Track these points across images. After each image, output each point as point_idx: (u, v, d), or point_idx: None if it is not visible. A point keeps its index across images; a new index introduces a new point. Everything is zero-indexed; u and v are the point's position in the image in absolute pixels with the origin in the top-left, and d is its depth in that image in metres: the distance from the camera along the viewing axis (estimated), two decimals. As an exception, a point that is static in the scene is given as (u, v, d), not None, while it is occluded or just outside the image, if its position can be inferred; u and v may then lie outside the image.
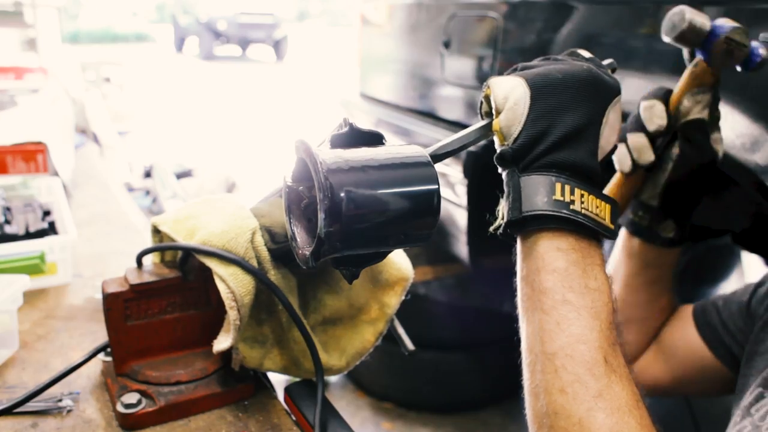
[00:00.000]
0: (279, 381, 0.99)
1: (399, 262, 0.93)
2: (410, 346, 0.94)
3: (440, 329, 2.47)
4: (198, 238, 0.82)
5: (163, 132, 7.72)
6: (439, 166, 0.61)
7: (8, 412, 0.81)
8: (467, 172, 1.88)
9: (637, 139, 0.90)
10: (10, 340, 0.97)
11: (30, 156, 1.67)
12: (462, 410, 2.60)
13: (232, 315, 0.76)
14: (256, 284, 0.79)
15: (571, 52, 0.72)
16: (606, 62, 0.74)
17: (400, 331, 0.95)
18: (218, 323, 0.82)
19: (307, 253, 0.57)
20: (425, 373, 2.55)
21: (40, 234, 1.26)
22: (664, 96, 0.91)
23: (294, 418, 0.85)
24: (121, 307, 0.84)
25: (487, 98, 0.68)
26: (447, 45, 2.09)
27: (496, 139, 0.65)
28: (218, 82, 12.81)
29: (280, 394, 0.91)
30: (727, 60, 0.85)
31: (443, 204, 0.62)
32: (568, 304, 0.58)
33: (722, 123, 1.16)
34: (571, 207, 0.59)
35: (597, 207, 0.61)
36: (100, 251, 1.41)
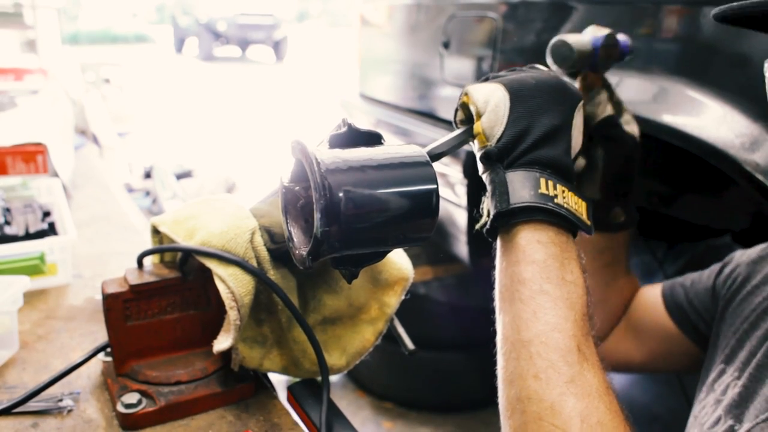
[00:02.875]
0: (279, 381, 0.99)
1: (399, 261, 0.93)
2: (410, 345, 0.94)
3: (440, 329, 2.47)
4: (197, 238, 0.82)
5: (163, 133, 7.71)
6: (438, 166, 0.61)
7: (8, 411, 0.82)
8: (467, 172, 1.88)
9: None
10: (11, 340, 0.97)
11: (30, 157, 1.67)
12: (462, 410, 2.60)
13: (232, 315, 0.76)
14: (256, 284, 0.79)
15: (531, 66, 0.76)
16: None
17: (401, 330, 0.95)
18: (218, 323, 0.82)
19: (304, 253, 0.57)
20: (425, 373, 2.55)
21: (40, 235, 1.26)
22: None
23: (296, 418, 0.85)
24: (121, 308, 0.85)
25: (464, 106, 0.71)
26: (446, 45, 2.09)
27: (476, 142, 0.68)
28: (218, 83, 12.81)
29: (280, 394, 0.91)
30: (608, 63, 0.95)
31: (442, 204, 0.63)
32: (545, 294, 0.60)
33: (722, 122, 1.16)
34: (555, 201, 0.63)
35: (576, 203, 0.65)
36: (100, 252, 1.41)
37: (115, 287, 0.85)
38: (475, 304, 2.50)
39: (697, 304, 1.00)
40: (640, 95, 1.39)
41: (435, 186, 0.59)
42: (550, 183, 0.63)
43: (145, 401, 0.82)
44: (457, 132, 0.71)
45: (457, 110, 0.72)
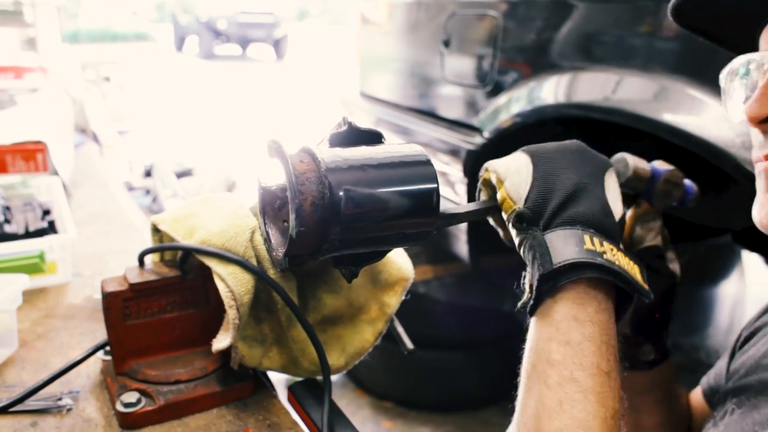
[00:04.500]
0: (278, 380, 0.99)
1: (399, 261, 0.92)
2: (410, 345, 0.94)
3: (440, 328, 2.47)
4: (197, 237, 0.82)
5: (163, 131, 7.71)
6: (438, 166, 0.61)
7: (7, 410, 0.81)
8: (467, 171, 1.88)
9: None
10: (10, 339, 0.97)
11: (30, 155, 1.66)
12: (462, 409, 2.60)
13: (231, 314, 0.76)
14: (256, 283, 0.79)
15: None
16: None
17: (400, 330, 0.94)
18: (217, 322, 0.82)
19: (281, 254, 0.57)
20: (425, 372, 2.55)
21: (39, 233, 1.26)
22: (619, 226, 0.91)
23: (296, 417, 0.85)
24: (121, 306, 0.84)
25: (486, 183, 0.68)
26: (447, 44, 2.09)
27: (503, 212, 0.65)
28: (218, 82, 12.80)
29: (280, 393, 0.91)
30: (666, 200, 0.89)
31: (443, 203, 0.62)
32: (576, 383, 0.53)
33: (723, 121, 1.16)
34: (605, 256, 0.56)
35: (628, 264, 0.58)
36: (100, 250, 1.41)
37: (114, 286, 0.85)
38: (475, 303, 2.50)
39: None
40: (641, 94, 1.39)
41: (435, 185, 0.58)
42: (596, 240, 0.57)
43: (144, 400, 0.82)
44: (479, 203, 0.67)
45: (479, 190, 0.69)
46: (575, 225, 0.58)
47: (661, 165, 0.90)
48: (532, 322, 0.60)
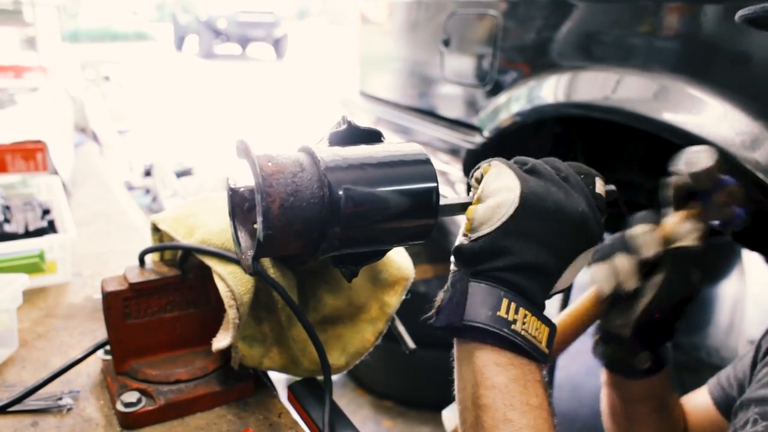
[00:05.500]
0: (279, 379, 0.99)
1: (399, 261, 0.92)
2: (411, 344, 0.94)
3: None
4: (197, 236, 0.82)
5: (163, 131, 7.71)
6: (438, 165, 0.61)
7: (6, 409, 0.81)
8: (467, 171, 1.88)
9: (626, 263, 0.84)
10: (10, 338, 0.97)
11: (29, 154, 1.66)
12: (462, 408, 2.60)
13: (231, 313, 0.76)
14: (256, 283, 0.79)
15: (583, 171, 0.67)
16: (608, 188, 0.70)
17: (401, 329, 0.94)
18: (218, 322, 0.82)
19: (250, 257, 0.56)
20: (426, 372, 2.55)
21: (39, 233, 1.26)
22: (658, 223, 0.87)
23: (296, 416, 0.85)
24: (121, 306, 0.84)
25: (482, 174, 0.65)
26: (447, 43, 2.09)
27: (462, 225, 0.63)
28: (218, 81, 12.80)
29: (280, 393, 0.91)
30: (719, 213, 0.86)
31: (443, 203, 0.62)
32: (510, 423, 0.55)
33: (723, 120, 1.16)
34: (512, 327, 0.57)
35: (537, 329, 0.59)
36: (100, 250, 1.41)
37: (114, 285, 0.84)
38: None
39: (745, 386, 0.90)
40: (641, 93, 1.39)
41: (435, 184, 0.58)
42: (513, 306, 0.58)
43: (144, 400, 0.82)
44: (462, 200, 0.66)
45: (472, 176, 0.66)
46: (501, 284, 0.58)
47: (730, 177, 0.86)
48: (456, 358, 0.62)
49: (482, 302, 0.58)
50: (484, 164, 0.65)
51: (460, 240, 0.62)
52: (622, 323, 0.89)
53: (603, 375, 0.99)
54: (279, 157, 0.56)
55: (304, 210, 0.54)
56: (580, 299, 0.91)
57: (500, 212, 0.59)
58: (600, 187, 0.67)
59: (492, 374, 0.57)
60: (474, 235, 0.60)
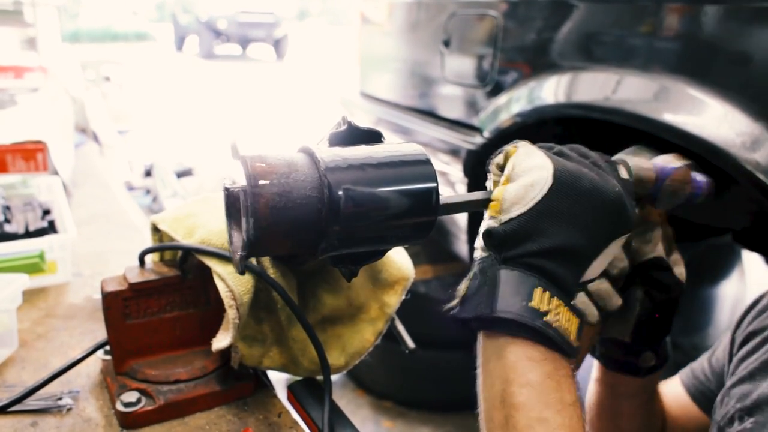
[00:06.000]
0: (278, 379, 0.99)
1: (399, 261, 0.92)
2: (411, 344, 0.94)
3: (440, 328, 2.46)
4: (197, 236, 0.82)
5: (163, 131, 7.71)
6: (438, 165, 0.61)
7: (6, 409, 0.81)
8: (467, 171, 1.88)
9: (600, 286, 0.82)
10: (10, 339, 0.97)
11: (30, 155, 1.66)
12: (462, 409, 2.60)
13: (231, 313, 0.76)
14: (256, 283, 0.79)
15: (615, 162, 0.65)
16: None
17: (401, 329, 0.94)
18: (217, 322, 0.82)
19: (238, 257, 0.57)
20: (426, 372, 2.55)
21: (39, 233, 1.26)
22: None
23: (296, 416, 0.85)
24: (121, 306, 0.84)
25: (507, 157, 0.62)
26: (447, 43, 2.09)
27: (488, 211, 0.60)
28: (218, 81, 12.80)
29: (280, 393, 0.91)
30: (672, 200, 0.82)
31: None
32: (545, 422, 0.52)
33: (723, 121, 1.15)
34: (545, 318, 0.55)
35: (568, 321, 0.57)
36: (100, 250, 1.41)
37: (114, 285, 0.85)
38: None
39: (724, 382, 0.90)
40: (641, 93, 1.39)
41: (435, 184, 0.58)
42: (546, 295, 0.55)
43: (144, 400, 0.82)
44: (478, 193, 0.63)
45: (490, 161, 0.63)
46: (534, 272, 0.56)
47: (668, 162, 0.82)
48: (482, 351, 0.59)
49: (514, 291, 0.55)
50: (508, 147, 0.62)
51: (488, 223, 0.59)
52: (621, 332, 0.89)
53: (594, 372, 0.98)
54: (271, 157, 0.55)
55: (293, 210, 0.53)
56: None
57: (534, 191, 0.56)
58: (624, 173, 0.65)
59: (526, 370, 0.54)
60: (505, 217, 0.57)
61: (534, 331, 0.55)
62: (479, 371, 0.59)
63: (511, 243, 0.56)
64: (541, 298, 0.55)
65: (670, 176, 0.80)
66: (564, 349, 0.56)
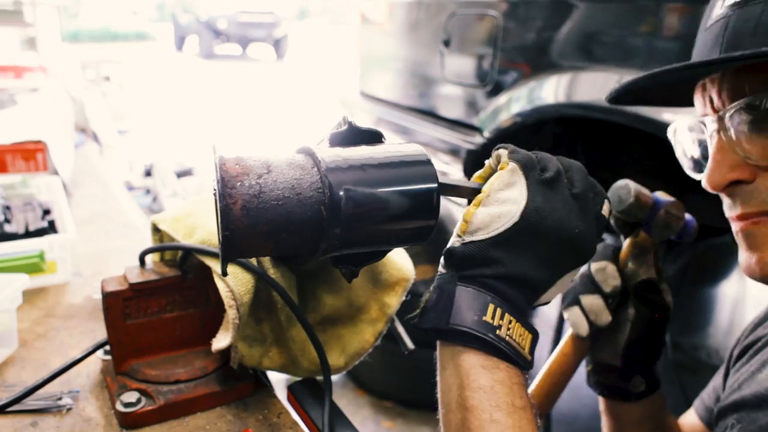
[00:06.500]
0: (278, 380, 0.99)
1: (400, 262, 0.92)
2: (410, 345, 0.94)
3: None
4: (197, 236, 0.82)
5: (163, 131, 7.71)
6: (438, 165, 0.60)
7: (5, 409, 0.81)
8: (467, 171, 1.88)
9: (593, 302, 0.89)
10: (10, 338, 0.97)
11: (30, 155, 1.67)
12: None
13: (231, 314, 0.76)
14: (256, 283, 0.79)
15: (596, 191, 0.67)
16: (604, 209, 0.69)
17: (401, 329, 0.94)
18: (218, 322, 0.82)
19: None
20: (426, 372, 2.55)
21: (39, 233, 1.26)
22: (614, 256, 0.91)
23: (296, 417, 0.85)
24: (121, 306, 0.84)
25: (498, 159, 0.64)
26: (447, 43, 2.09)
27: (458, 225, 0.63)
28: (218, 81, 12.80)
29: (280, 393, 0.91)
30: (665, 231, 0.89)
31: (443, 202, 0.62)
32: (496, 423, 0.56)
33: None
34: (497, 332, 0.58)
35: (521, 336, 0.60)
36: (100, 250, 1.41)
37: (114, 285, 0.84)
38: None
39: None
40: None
41: (436, 185, 0.58)
42: (498, 311, 0.58)
43: (144, 400, 0.82)
44: (471, 184, 0.65)
45: (493, 151, 0.65)
46: (488, 290, 0.59)
47: (663, 196, 0.89)
48: (439, 356, 0.62)
49: (469, 306, 0.58)
50: (504, 155, 0.63)
51: (453, 241, 0.62)
52: (611, 354, 0.94)
53: (601, 404, 1.01)
54: (248, 158, 0.55)
55: (268, 212, 0.53)
56: (562, 343, 0.95)
57: (499, 222, 0.59)
58: (606, 209, 0.67)
59: (478, 376, 0.58)
60: (468, 239, 0.60)
61: (486, 342, 0.58)
62: (438, 378, 0.63)
63: (468, 264, 0.60)
64: (494, 314, 0.58)
65: (665, 206, 0.87)
66: (516, 361, 0.59)
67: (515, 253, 0.59)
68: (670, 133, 0.77)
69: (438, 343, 0.62)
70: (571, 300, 0.91)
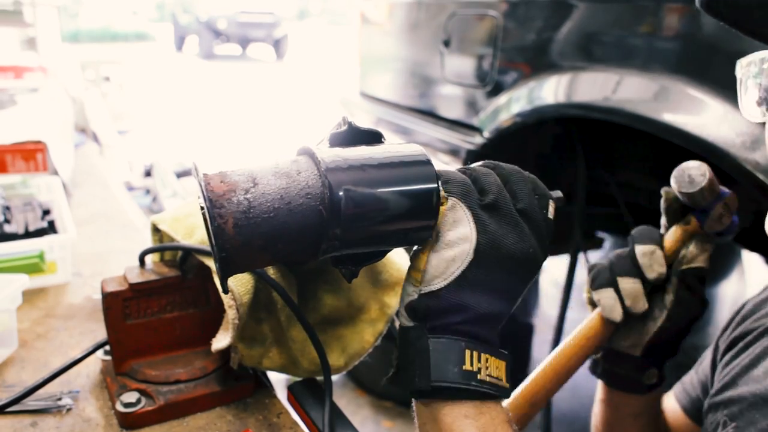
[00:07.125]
0: (278, 380, 0.99)
1: (399, 262, 0.92)
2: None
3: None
4: (197, 236, 0.82)
5: (163, 131, 7.71)
6: (438, 165, 0.60)
7: (6, 409, 0.81)
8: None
9: (632, 286, 0.84)
10: (10, 339, 0.97)
11: (30, 155, 1.66)
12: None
13: (230, 314, 0.76)
14: (256, 283, 0.79)
15: (538, 192, 0.63)
16: (556, 196, 0.66)
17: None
18: (217, 322, 0.82)
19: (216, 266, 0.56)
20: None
21: (39, 233, 1.26)
22: (660, 241, 0.86)
23: (296, 417, 0.85)
24: (121, 306, 0.84)
25: (469, 178, 0.60)
26: (447, 44, 2.09)
27: (410, 275, 0.60)
28: (218, 81, 12.80)
29: (280, 393, 0.91)
30: (717, 225, 0.83)
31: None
32: None
33: (723, 121, 1.15)
34: (479, 377, 0.57)
35: (497, 368, 0.59)
36: (100, 250, 1.41)
37: (114, 286, 0.85)
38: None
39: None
40: (641, 93, 1.39)
41: (436, 185, 0.58)
42: (475, 355, 0.57)
43: (144, 400, 0.82)
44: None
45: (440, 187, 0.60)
46: (460, 335, 0.57)
47: (724, 188, 0.84)
48: (418, 419, 0.61)
49: (446, 359, 0.56)
50: (451, 198, 0.59)
51: (410, 291, 0.59)
52: (633, 343, 0.89)
53: (599, 393, 0.98)
54: (232, 174, 0.54)
55: (260, 226, 0.52)
56: (585, 323, 0.89)
57: (455, 266, 0.57)
58: (552, 211, 0.64)
59: (463, 427, 0.56)
60: (426, 289, 0.58)
61: (470, 392, 0.57)
62: (418, 427, 0.61)
63: (434, 315, 0.57)
64: (471, 359, 0.57)
65: (726, 198, 0.82)
66: (498, 397, 0.58)
67: (477, 291, 0.57)
68: (742, 62, 0.71)
69: (414, 401, 0.61)
70: (605, 281, 0.85)
